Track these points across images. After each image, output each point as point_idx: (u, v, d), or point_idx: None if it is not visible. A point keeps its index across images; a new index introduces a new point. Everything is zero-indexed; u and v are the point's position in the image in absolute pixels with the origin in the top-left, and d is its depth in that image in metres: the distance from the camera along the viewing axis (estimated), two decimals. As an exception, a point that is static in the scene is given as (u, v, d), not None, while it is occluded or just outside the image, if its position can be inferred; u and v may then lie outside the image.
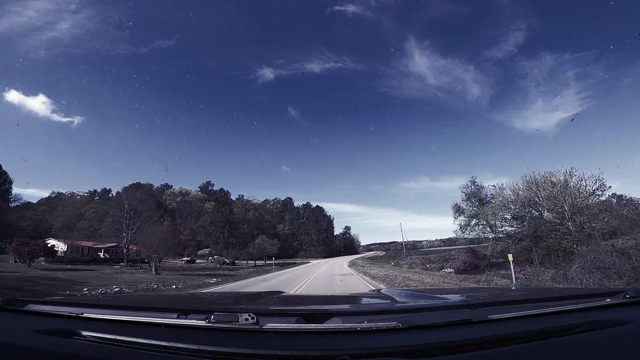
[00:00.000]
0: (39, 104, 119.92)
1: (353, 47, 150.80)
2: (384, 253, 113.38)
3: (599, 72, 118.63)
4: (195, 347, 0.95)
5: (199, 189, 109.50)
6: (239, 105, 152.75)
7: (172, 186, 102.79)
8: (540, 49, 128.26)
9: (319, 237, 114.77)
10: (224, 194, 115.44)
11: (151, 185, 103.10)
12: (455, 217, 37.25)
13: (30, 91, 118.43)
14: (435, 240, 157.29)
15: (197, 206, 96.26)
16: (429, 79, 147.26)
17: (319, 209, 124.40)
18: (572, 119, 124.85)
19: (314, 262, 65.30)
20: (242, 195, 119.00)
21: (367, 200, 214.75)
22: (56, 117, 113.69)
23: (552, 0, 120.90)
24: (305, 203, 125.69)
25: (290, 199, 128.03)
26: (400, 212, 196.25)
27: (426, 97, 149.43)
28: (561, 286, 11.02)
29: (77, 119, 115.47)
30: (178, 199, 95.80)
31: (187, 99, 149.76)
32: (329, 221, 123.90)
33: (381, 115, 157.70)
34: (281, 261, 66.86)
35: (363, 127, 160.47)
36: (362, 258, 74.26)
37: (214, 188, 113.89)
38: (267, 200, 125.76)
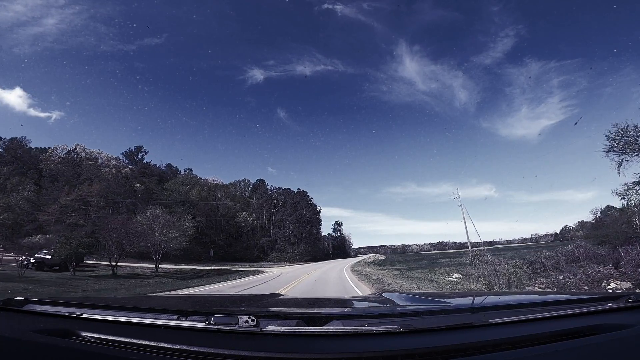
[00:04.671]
0: (15, 97, 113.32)
1: (344, 51, 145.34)
2: (384, 257, 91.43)
3: (583, 81, 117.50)
4: (194, 348, 0.94)
5: (121, 156, 71.31)
6: (226, 105, 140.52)
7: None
8: (526, 56, 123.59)
9: (300, 232, 77.77)
10: (171, 171, 79.10)
11: (42, 148, 65.14)
12: (619, 166, 13.92)
13: (7, 85, 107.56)
14: (425, 244, 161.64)
15: (94, 171, 57.50)
16: (418, 85, 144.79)
17: (302, 194, 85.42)
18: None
19: (276, 271, 32.44)
20: (190, 169, 78.83)
21: (354, 204, 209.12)
22: (33, 112, 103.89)
23: (540, 7, 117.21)
24: (285, 188, 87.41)
25: (263, 181, 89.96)
26: (388, 217, 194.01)
27: (415, 102, 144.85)
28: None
29: (55, 114, 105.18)
30: (59, 160, 56.41)
31: (177, 98, 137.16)
32: (314, 211, 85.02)
33: (370, 119, 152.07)
34: (223, 267, 33.27)
35: (352, 130, 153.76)
36: (365, 263, 51.74)
37: (146, 158, 74.49)
38: (233, 182, 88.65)
